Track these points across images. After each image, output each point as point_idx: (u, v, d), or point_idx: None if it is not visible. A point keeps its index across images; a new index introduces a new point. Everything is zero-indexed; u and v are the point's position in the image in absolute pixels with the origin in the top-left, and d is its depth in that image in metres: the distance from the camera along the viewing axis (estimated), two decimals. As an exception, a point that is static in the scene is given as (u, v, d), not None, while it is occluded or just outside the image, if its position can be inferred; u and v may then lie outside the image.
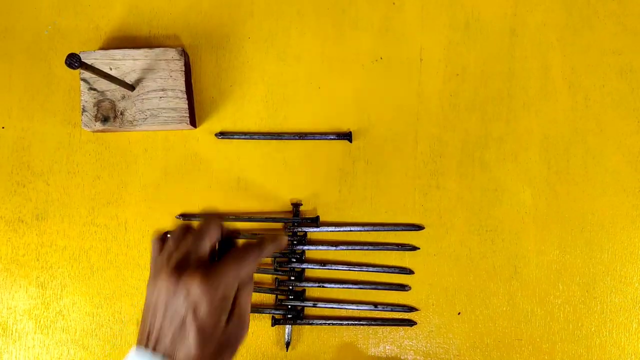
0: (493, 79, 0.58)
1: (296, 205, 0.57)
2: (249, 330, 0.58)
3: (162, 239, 0.43)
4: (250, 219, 0.57)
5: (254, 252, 0.42)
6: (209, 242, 0.41)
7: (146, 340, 0.40)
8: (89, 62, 0.55)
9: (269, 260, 0.57)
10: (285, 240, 0.44)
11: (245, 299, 0.42)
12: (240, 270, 0.40)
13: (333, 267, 0.57)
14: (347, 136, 0.57)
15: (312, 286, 0.57)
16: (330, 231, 0.57)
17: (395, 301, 0.57)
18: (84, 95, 0.56)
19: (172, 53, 0.56)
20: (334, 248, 0.57)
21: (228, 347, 0.41)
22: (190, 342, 0.39)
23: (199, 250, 0.41)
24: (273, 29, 0.59)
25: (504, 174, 0.57)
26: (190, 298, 0.39)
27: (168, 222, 0.58)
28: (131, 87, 0.56)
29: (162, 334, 0.39)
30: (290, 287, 0.56)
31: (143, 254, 0.58)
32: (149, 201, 0.58)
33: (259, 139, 0.58)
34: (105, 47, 0.59)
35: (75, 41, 0.60)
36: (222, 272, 0.40)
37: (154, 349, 0.39)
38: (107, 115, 0.56)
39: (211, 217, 0.43)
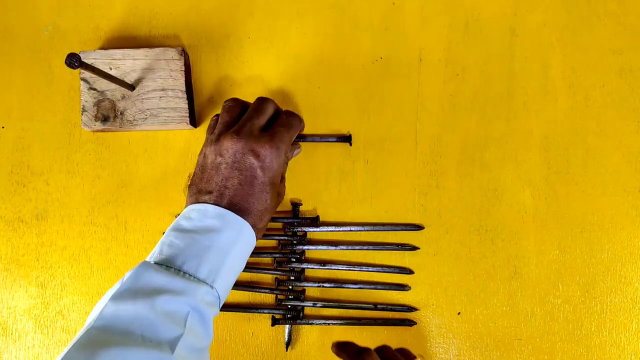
0: (493, 79, 0.58)
1: (296, 205, 0.57)
2: (249, 330, 0.58)
3: (217, 119, 0.51)
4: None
5: (295, 119, 0.50)
6: (266, 116, 0.49)
7: (207, 195, 0.45)
8: (88, 61, 0.56)
9: (269, 260, 0.57)
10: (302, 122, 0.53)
11: (286, 167, 0.52)
12: (291, 135, 0.49)
13: (333, 267, 0.57)
14: (347, 139, 0.57)
15: (311, 286, 0.57)
16: (330, 231, 0.57)
17: (395, 301, 0.57)
18: (84, 95, 0.56)
19: (172, 53, 0.56)
20: (334, 248, 0.57)
21: (278, 203, 0.50)
22: (266, 196, 0.46)
23: (258, 122, 0.48)
24: (273, 28, 0.59)
25: (504, 174, 0.57)
26: (261, 158, 0.45)
27: (168, 222, 0.58)
28: (131, 87, 0.56)
29: (228, 188, 0.45)
30: (290, 287, 0.56)
31: (143, 253, 0.58)
32: (149, 201, 0.58)
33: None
34: (105, 46, 0.59)
35: (75, 41, 0.60)
36: (281, 137, 0.47)
37: (217, 201, 0.45)
38: (107, 115, 0.56)
39: (265, 98, 0.50)
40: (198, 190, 0.46)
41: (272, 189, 0.47)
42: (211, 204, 0.44)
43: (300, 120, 0.51)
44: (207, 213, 0.44)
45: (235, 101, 0.51)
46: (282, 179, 0.49)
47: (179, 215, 0.46)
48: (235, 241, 0.43)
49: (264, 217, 0.47)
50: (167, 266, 0.41)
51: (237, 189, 0.45)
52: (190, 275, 0.41)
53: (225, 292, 0.44)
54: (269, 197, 0.46)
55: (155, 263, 0.41)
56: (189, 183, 0.51)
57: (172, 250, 0.42)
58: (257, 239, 0.47)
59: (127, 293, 0.39)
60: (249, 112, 0.49)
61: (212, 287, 0.41)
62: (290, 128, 0.49)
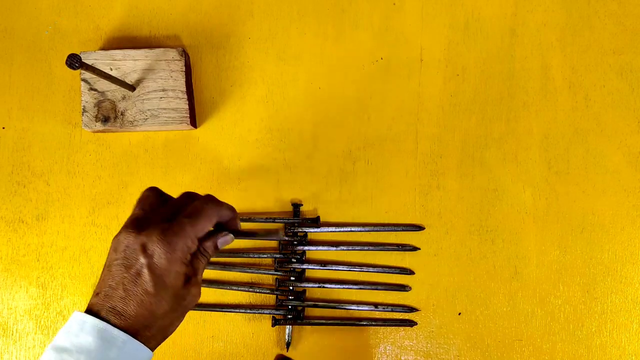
0: (493, 79, 0.58)
1: (296, 206, 0.57)
2: (249, 330, 0.58)
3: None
4: (250, 219, 0.57)
5: (210, 208, 0.42)
6: (176, 207, 0.41)
7: (94, 298, 0.39)
8: (89, 62, 0.55)
9: (270, 260, 0.57)
10: (230, 210, 0.43)
11: (202, 264, 0.42)
12: (197, 228, 0.40)
13: (333, 268, 0.57)
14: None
15: (312, 286, 0.57)
16: (331, 231, 0.57)
17: (396, 301, 0.57)
18: (85, 95, 0.56)
19: (172, 53, 0.56)
20: (335, 248, 0.57)
21: (184, 307, 0.41)
22: (153, 299, 0.38)
23: (164, 212, 0.41)
24: (273, 29, 0.59)
25: (504, 174, 0.57)
26: (148, 254, 0.39)
27: (168, 222, 0.58)
28: (131, 88, 0.56)
29: (114, 289, 0.39)
30: (291, 288, 0.56)
31: (143, 254, 0.58)
32: (149, 201, 0.58)
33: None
34: (106, 47, 0.59)
35: (76, 41, 0.60)
36: (177, 230, 0.40)
37: (100, 306, 0.38)
38: (108, 115, 0.56)
39: (189, 193, 0.43)
40: (95, 288, 0.41)
41: (165, 291, 0.39)
42: (93, 311, 0.39)
43: (224, 208, 0.43)
44: (84, 326, 0.38)
45: (152, 190, 0.44)
46: (189, 279, 0.40)
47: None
48: (103, 358, 0.37)
49: (154, 324, 0.39)
50: None
51: (119, 289, 0.39)
52: None
53: None
54: (160, 303, 0.39)
55: None
56: None
57: None
58: (153, 346, 0.40)
59: None
60: (163, 205, 0.43)
61: None
62: (197, 218, 0.40)
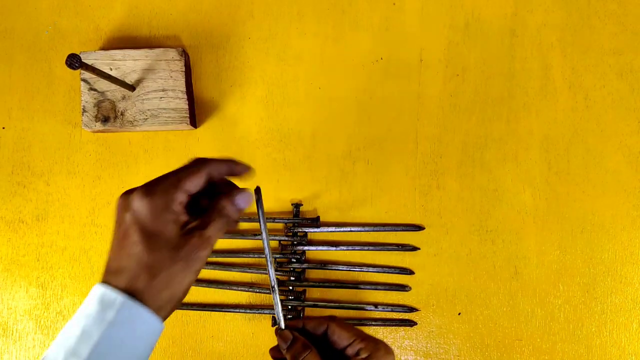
0: (493, 79, 0.58)
1: (296, 206, 0.57)
2: (249, 330, 0.58)
3: None
4: (250, 219, 0.57)
5: (196, 162, 0.42)
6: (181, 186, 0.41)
7: (104, 277, 0.39)
8: (89, 62, 0.55)
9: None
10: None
11: (216, 223, 0.40)
12: (180, 176, 0.41)
13: (333, 268, 0.57)
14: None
15: (312, 286, 0.57)
16: (331, 231, 0.57)
17: (396, 301, 0.57)
18: (85, 95, 0.56)
19: (172, 53, 0.56)
20: (335, 248, 0.57)
21: (185, 260, 0.39)
22: (137, 249, 0.38)
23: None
24: (273, 29, 0.59)
25: (504, 174, 0.57)
26: (132, 206, 0.39)
27: (168, 222, 0.58)
28: (131, 88, 0.56)
29: (112, 252, 0.39)
30: (291, 288, 0.56)
31: (143, 254, 0.58)
32: (149, 201, 0.58)
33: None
34: (106, 47, 0.59)
35: (76, 41, 0.60)
36: (162, 180, 0.41)
37: (104, 275, 0.38)
38: (108, 115, 0.56)
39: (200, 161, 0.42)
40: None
41: (155, 241, 0.38)
42: (100, 282, 0.39)
43: (215, 160, 0.42)
44: (90, 294, 0.38)
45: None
46: (190, 231, 0.39)
47: None
48: (108, 322, 0.36)
49: (154, 281, 0.38)
50: None
51: (114, 249, 0.39)
52: None
53: None
54: (151, 252, 0.38)
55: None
56: None
57: (53, 344, 0.38)
58: (164, 314, 0.39)
59: None
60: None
61: None
62: (182, 170, 0.42)
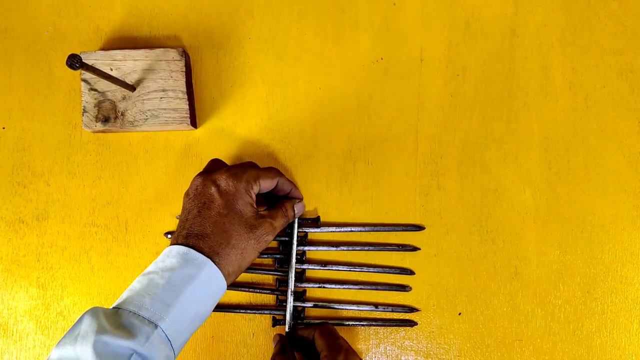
0: (493, 79, 0.58)
1: (297, 206, 0.57)
2: (250, 330, 0.58)
3: None
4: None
5: (273, 169, 0.51)
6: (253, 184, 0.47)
7: (175, 238, 0.44)
8: (89, 62, 0.56)
9: (270, 260, 0.57)
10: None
11: (280, 217, 0.49)
12: (259, 172, 0.48)
13: (334, 268, 0.57)
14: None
15: (312, 287, 0.57)
16: (331, 232, 0.57)
17: (396, 302, 0.57)
18: (85, 95, 0.56)
19: (172, 54, 0.56)
20: (335, 248, 0.57)
21: (256, 239, 0.46)
22: (222, 220, 0.44)
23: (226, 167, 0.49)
24: (273, 29, 0.59)
25: (505, 174, 0.57)
26: (217, 183, 0.45)
27: (169, 222, 0.58)
28: (132, 88, 0.56)
29: (193, 218, 0.44)
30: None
31: (144, 254, 0.58)
32: (150, 202, 0.58)
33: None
34: (106, 47, 0.59)
35: (76, 42, 0.60)
36: (243, 167, 0.48)
37: (182, 238, 0.44)
38: (108, 115, 0.56)
39: (273, 171, 0.51)
40: (173, 236, 0.47)
41: (235, 215, 0.45)
42: (176, 244, 0.43)
43: (284, 177, 0.52)
44: (170, 253, 0.43)
45: (216, 159, 0.53)
46: (262, 216, 0.47)
47: (179, 215, 0.48)
48: (191, 277, 0.41)
49: (228, 248, 0.44)
50: (115, 308, 0.40)
51: (196, 216, 0.44)
52: (135, 314, 0.39)
53: (179, 333, 0.41)
54: (232, 224, 0.44)
55: (113, 307, 0.41)
56: None
57: (127, 293, 0.41)
58: (228, 276, 0.44)
59: (70, 338, 0.38)
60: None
61: (156, 326, 0.39)
62: (260, 168, 0.50)
